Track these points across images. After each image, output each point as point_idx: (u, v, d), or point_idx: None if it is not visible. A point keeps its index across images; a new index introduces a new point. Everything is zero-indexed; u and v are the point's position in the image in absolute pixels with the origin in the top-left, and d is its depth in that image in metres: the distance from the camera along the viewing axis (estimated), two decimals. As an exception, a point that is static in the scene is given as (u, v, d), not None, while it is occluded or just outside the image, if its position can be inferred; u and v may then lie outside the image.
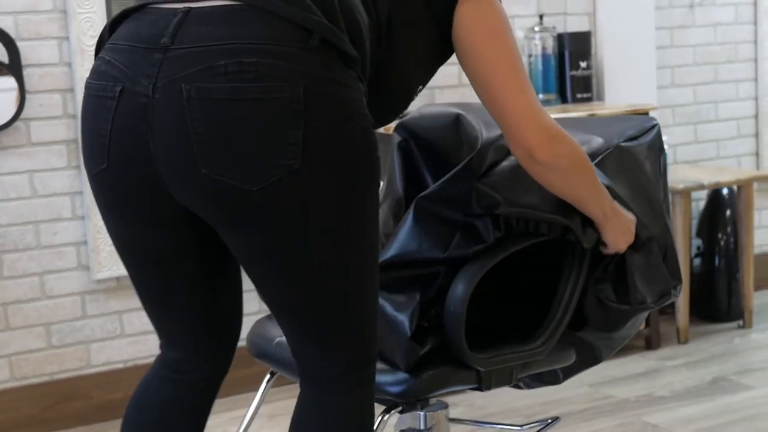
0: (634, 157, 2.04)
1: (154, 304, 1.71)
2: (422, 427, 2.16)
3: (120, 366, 3.21)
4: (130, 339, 3.22)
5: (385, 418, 1.94)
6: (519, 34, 3.64)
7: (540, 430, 2.22)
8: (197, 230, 1.58)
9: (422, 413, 2.16)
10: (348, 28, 1.53)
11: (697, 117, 4.12)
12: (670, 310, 3.80)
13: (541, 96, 3.65)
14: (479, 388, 1.96)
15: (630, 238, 1.92)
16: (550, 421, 2.24)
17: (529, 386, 2.21)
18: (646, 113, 3.53)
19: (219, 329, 1.74)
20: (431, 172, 2.07)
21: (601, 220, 1.86)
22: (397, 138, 2.12)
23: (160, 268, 1.65)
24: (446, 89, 3.60)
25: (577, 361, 2.10)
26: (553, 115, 3.21)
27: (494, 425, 2.50)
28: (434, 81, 3.42)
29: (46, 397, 3.11)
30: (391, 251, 1.89)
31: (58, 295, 3.11)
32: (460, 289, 1.84)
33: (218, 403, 1.84)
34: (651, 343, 3.61)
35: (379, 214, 1.61)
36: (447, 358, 1.89)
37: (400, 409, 1.94)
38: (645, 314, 2.08)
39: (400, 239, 1.90)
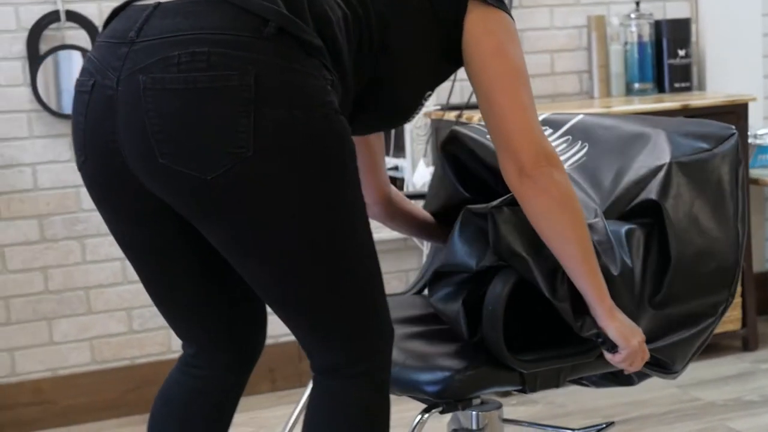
0: (702, 172, 1.93)
1: (159, 299, 1.71)
2: (474, 426, 2.11)
3: (200, 352, 3.23)
4: (210, 325, 3.24)
5: (424, 417, 1.89)
6: (614, 21, 3.52)
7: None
8: (179, 222, 1.57)
9: (474, 413, 2.11)
10: (315, 19, 1.51)
11: (808, 108, 3.92)
12: (771, 310, 3.63)
13: (637, 85, 3.53)
14: (524, 390, 1.90)
15: (642, 356, 1.78)
16: (604, 425, 2.15)
17: (597, 385, 2.12)
18: (746, 104, 3.37)
19: (231, 326, 1.72)
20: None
21: (597, 304, 1.72)
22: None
23: (155, 262, 1.65)
24: (537, 78, 3.51)
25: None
26: (647, 105, 3.17)
27: (547, 427, 2.42)
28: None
29: (126, 381, 3.16)
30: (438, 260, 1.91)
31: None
32: (498, 288, 1.78)
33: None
34: (748, 343, 3.46)
35: (356, 200, 1.56)
36: (489, 358, 1.83)
37: (440, 409, 1.89)
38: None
39: (447, 248, 1.90)
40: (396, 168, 3.41)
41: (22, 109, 3.01)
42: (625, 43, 3.54)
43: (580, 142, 2.09)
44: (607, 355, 1.78)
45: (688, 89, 3.57)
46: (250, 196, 1.45)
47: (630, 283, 1.82)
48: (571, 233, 1.68)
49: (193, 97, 1.42)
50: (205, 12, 1.45)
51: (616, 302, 1.76)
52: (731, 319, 3.40)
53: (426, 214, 2.15)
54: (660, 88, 3.58)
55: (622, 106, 3.25)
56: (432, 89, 1.75)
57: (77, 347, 3.13)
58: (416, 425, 1.90)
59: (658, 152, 1.95)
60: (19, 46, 3.00)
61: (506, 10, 1.70)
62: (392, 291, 2.42)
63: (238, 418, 3.05)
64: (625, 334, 1.74)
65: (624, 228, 1.88)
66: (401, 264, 3.39)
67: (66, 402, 3.12)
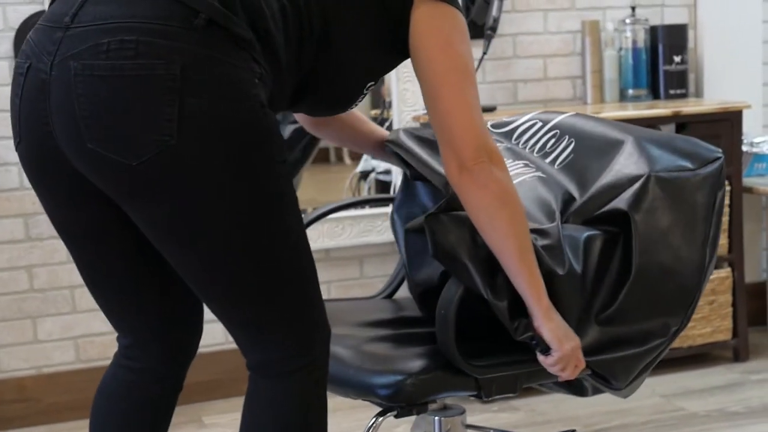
0: (678, 191, 1.90)
1: (93, 285, 1.72)
2: (436, 432, 2.10)
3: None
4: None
5: (378, 421, 1.89)
6: (609, 26, 3.50)
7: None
8: (113, 207, 1.58)
9: (437, 418, 2.09)
10: (247, 12, 1.53)
11: (809, 117, 3.87)
12: (763, 320, 3.59)
13: (631, 91, 3.50)
14: (479, 396, 1.88)
15: (576, 363, 1.77)
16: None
17: (552, 390, 2.10)
18: (740, 112, 3.34)
19: (165, 317, 1.73)
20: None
21: (534, 304, 1.72)
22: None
23: (90, 246, 1.67)
24: (529, 83, 3.49)
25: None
26: (639, 112, 3.14)
27: None
28: (518, 75, 3.35)
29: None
30: None
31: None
32: (451, 291, 1.77)
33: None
34: (739, 354, 3.42)
35: (284, 194, 1.56)
36: (444, 363, 1.82)
37: (395, 413, 1.88)
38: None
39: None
40: (388, 172, 3.40)
41: (8, 109, 3.02)
42: (620, 49, 3.51)
43: (567, 137, 2.07)
44: (540, 357, 1.78)
45: (684, 96, 3.54)
46: (174, 183, 1.47)
47: (577, 288, 1.80)
48: (508, 229, 1.68)
49: (120, 84, 1.44)
50: (138, 0, 1.47)
51: (559, 303, 1.75)
52: (721, 329, 3.37)
53: (368, 127, 2.13)
54: (655, 95, 3.55)
55: (615, 111, 3.22)
56: (376, 80, 1.75)
57: (61, 346, 3.14)
58: (369, 429, 1.89)
59: (639, 161, 1.92)
60: (6, 46, 3.01)
61: (456, 5, 1.69)
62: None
63: (223, 418, 3.06)
64: (558, 336, 1.74)
65: (585, 234, 1.85)
66: (387, 268, 3.37)
67: (50, 400, 3.13)
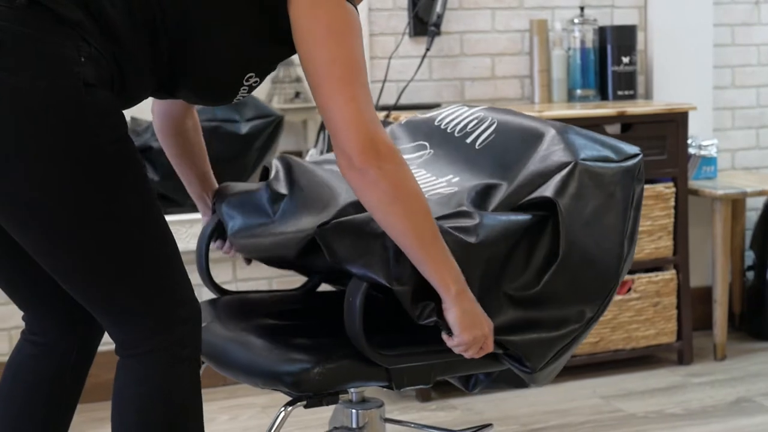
0: (601, 180, 1.89)
1: None
2: (354, 425, 2.06)
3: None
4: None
5: (289, 410, 1.85)
6: (557, 25, 3.48)
7: (470, 433, 2.08)
8: None
9: (354, 410, 2.06)
10: None
11: (760, 121, 3.86)
12: (709, 324, 3.57)
13: (579, 92, 3.48)
14: (390, 387, 1.85)
15: (483, 345, 1.74)
16: (482, 426, 2.11)
17: (492, 386, 2.07)
18: (686, 113, 3.32)
19: (57, 290, 1.68)
20: None
21: (443, 291, 1.69)
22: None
23: None
24: (477, 81, 3.47)
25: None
26: (583, 111, 3.12)
27: (429, 428, 2.37)
28: (465, 73, 3.33)
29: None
30: None
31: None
32: (358, 280, 1.74)
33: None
34: (683, 357, 3.40)
35: (118, 170, 1.55)
36: (353, 353, 1.79)
37: (304, 403, 1.85)
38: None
39: None
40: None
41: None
42: (568, 49, 3.50)
43: (489, 120, 2.05)
44: (443, 336, 1.75)
45: (633, 97, 3.52)
46: None
47: (487, 259, 1.77)
48: (405, 223, 1.64)
49: None
50: None
51: (464, 272, 1.72)
52: (666, 332, 3.35)
53: (204, 169, 2.08)
54: (603, 96, 3.53)
55: (561, 111, 3.19)
56: (257, 72, 1.71)
57: None
58: (277, 420, 1.85)
59: (565, 149, 1.91)
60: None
61: None
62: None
63: (216, 405, 3.00)
64: (464, 324, 1.70)
65: (512, 216, 1.83)
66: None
67: None
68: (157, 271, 1.60)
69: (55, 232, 1.52)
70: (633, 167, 1.94)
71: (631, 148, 1.98)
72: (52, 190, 1.49)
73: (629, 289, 3.30)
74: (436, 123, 2.13)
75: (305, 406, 1.85)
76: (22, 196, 1.49)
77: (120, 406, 1.64)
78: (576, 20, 3.48)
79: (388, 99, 3.27)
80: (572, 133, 1.96)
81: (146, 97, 1.73)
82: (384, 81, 3.27)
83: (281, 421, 1.85)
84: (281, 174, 2.05)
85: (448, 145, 2.06)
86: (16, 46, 1.45)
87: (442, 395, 3.13)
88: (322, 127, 3.31)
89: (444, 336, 1.75)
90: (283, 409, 1.85)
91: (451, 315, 1.70)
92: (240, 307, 2.13)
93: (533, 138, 1.97)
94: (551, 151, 1.91)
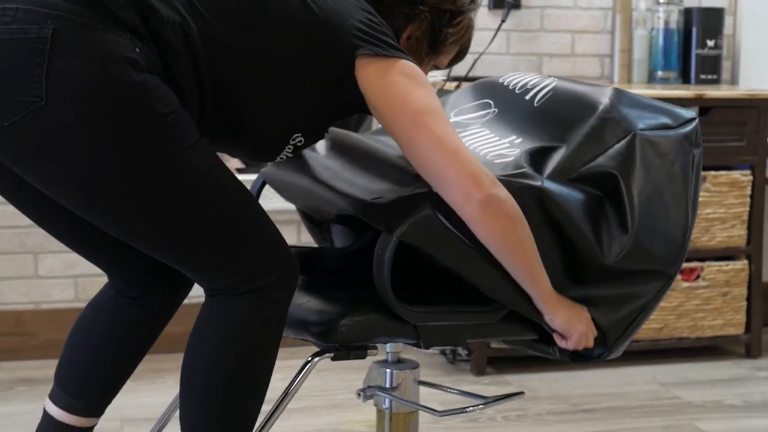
0: (661, 149, 1.88)
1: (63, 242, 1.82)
2: (387, 384, 2.05)
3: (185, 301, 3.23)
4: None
5: (315, 360, 1.85)
6: (642, 5, 3.40)
7: (500, 401, 2.05)
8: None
9: (388, 370, 2.05)
10: (136, 5, 1.56)
11: None
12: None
13: (660, 73, 3.41)
14: (418, 345, 1.84)
15: (588, 339, 1.83)
16: (512, 394, 2.08)
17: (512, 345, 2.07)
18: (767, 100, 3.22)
19: (138, 258, 1.75)
20: None
21: (543, 300, 1.78)
22: None
23: (22, 208, 1.74)
24: (555, 57, 3.43)
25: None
26: (661, 92, 3.05)
27: (461, 392, 2.33)
28: (544, 49, 3.28)
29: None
30: None
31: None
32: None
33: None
34: (751, 350, 3.30)
35: (184, 138, 1.57)
36: (381, 307, 1.78)
37: (331, 355, 1.85)
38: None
39: None
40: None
41: None
42: (651, 29, 3.42)
43: (550, 79, 2.03)
44: (560, 343, 1.83)
45: (716, 82, 3.43)
46: (48, 144, 1.50)
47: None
48: (523, 245, 1.72)
49: None
50: None
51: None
52: (734, 323, 3.26)
53: None
54: (685, 79, 3.45)
55: (638, 90, 3.12)
56: (306, 136, 1.74)
57: (61, 283, 3.17)
58: (305, 369, 1.86)
59: (623, 118, 1.88)
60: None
61: (399, 53, 1.69)
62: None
63: None
64: (570, 320, 1.80)
65: (578, 195, 1.83)
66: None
67: (46, 335, 3.16)
68: (237, 222, 1.63)
69: (121, 206, 1.55)
70: (690, 132, 1.92)
71: (687, 113, 1.95)
72: (113, 167, 1.52)
73: (698, 277, 3.22)
74: (500, 80, 2.12)
75: (332, 359, 1.85)
76: (80, 178, 1.53)
77: (198, 336, 1.68)
78: (661, 0, 3.39)
79: (462, 70, 3.24)
80: (627, 99, 1.93)
81: None
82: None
83: (307, 370, 1.85)
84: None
85: (511, 102, 2.04)
86: (69, 33, 1.48)
87: (497, 371, 3.11)
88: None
89: (560, 342, 1.83)
90: (310, 359, 1.85)
91: (558, 320, 1.80)
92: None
93: (590, 101, 1.93)
94: (608, 117, 1.87)
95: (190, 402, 1.68)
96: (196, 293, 1.77)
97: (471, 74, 3.21)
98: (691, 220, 1.92)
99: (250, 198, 1.66)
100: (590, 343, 1.83)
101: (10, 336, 3.15)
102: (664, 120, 1.91)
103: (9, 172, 1.60)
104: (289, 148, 1.75)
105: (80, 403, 1.82)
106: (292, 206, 2.14)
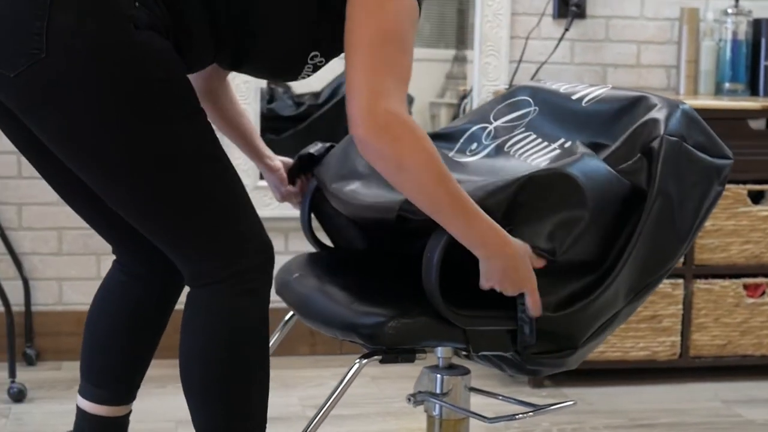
0: (695, 167, 1.82)
1: (64, 199, 1.82)
2: (438, 390, 2.04)
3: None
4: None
5: (363, 362, 1.84)
6: (709, 15, 3.35)
7: (551, 408, 2.02)
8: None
9: (438, 375, 2.03)
10: None
11: None
12: None
13: (727, 85, 3.35)
14: (467, 350, 1.82)
15: (518, 288, 1.70)
16: (562, 403, 2.04)
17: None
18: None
19: (130, 234, 1.74)
20: None
21: (479, 253, 1.66)
22: None
23: (34, 162, 1.75)
24: (620, 68, 3.39)
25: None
26: (728, 103, 2.99)
27: (511, 400, 2.30)
28: (608, 59, 3.24)
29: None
30: None
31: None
32: (438, 236, 1.71)
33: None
34: (820, 370, 3.22)
35: (172, 108, 1.57)
36: (430, 310, 1.77)
37: (380, 357, 1.84)
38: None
39: None
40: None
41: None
42: (719, 40, 3.36)
43: (601, 86, 2.00)
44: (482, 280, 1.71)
45: (786, 95, 3.36)
46: (52, 98, 1.52)
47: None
48: (414, 194, 1.59)
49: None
50: None
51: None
52: (801, 341, 3.18)
53: (244, 126, 2.08)
54: (753, 91, 3.38)
55: (705, 101, 3.07)
56: (321, 53, 1.72)
57: None
58: (351, 370, 1.85)
59: (671, 124, 1.84)
60: None
61: None
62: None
63: (329, 371, 3.05)
64: (508, 277, 1.67)
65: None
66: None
67: None
68: (218, 205, 1.63)
69: (110, 169, 1.57)
70: (722, 167, 1.86)
71: (726, 150, 1.89)
72: (103, 128, 1.54)
73: (763, 293, 3.15)
74: (540, 84, 2.10)
75: (380, 361, 1.84)
76: (80, 133, 1.54)
77: (188, 334, 1.69)
78: (730, 11, 3.34)
79: (525, 79, 3.22)
80: (680, 111, 1.88)
81: (210, 62, 1.76)
82: (519, 61, 3.23)
83: (355, 372, 1.85)
84: None
85: (554, 100, 2.01)
86: None
87: (555, 383, 3.07)
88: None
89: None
90: (358, 361, 1.85)
91: (489, 274, 1.68)
92: (335, 262, 2.14)
93: (643, 105, 1.90)
94: (654, 120, 1.84)
95: (195, 402, 1.71)
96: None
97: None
98: (687, 245, 1.86)
99: (237, 181, 1.67)
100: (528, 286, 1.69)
101: (72, 336, 3.19)
102: (704, 141, 1.86)
103: (15, 124, 1.64)
104: (309, 67, 1.73)
105: (106, 393, 1.86)
106: (281, 214, 2.14)
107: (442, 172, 1.59)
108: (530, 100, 2.07)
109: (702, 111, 1.96)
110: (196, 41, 1.64)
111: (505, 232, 1.65)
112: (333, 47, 1.72)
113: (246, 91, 3.20)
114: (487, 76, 3.27)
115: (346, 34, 1.57)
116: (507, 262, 1.66)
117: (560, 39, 3.20)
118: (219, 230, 1.63)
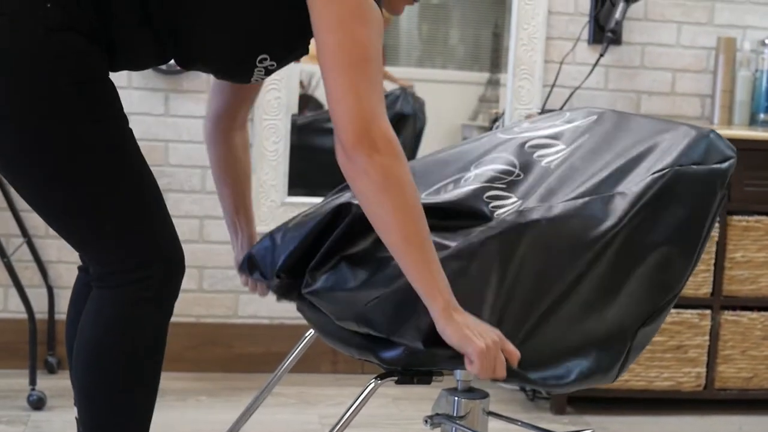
0: (692, 186, 1.79)
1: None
2: (455, 413, 2.02)
3: (265, 321, 3.26)
4: (279, 297, 3.26)
5: (379, 382, 1.83)
6: (746, 45, 3.32)
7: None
8: None
9: (456, 398, 2.02)
10: None
11: None
12: None
13: (762, 116, 3.32)
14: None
15: (496, 360, 1.60)
16: (584, 431, 2.02)
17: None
18: None
19: None
20: None
21: (429, 301, 1.57)
22: None
23: None
24: (654, 96, 3.36)
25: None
26: (761, 133, 2.96)
27: (531, 426, 2.28)
28: (643, 86, 3.23)
29: (188, 337, 3.21)
30: None
31: (215, 242, 3.21)
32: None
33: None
34: None
35: (96, 111, 1.61)
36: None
37: (396, 378, 1.83)
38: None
39: None
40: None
41: None
42: (756, 71, 3.33)
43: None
44: (467, 365, 1.62)
45: (821, 128, 3.32)
46: None
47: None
48: (391, 218, 1.56)
49: None
50: None
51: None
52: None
53: (240, 191, 2.07)
54: (787, 122, 3.35)
55: (738, 131, 3.04)
56: (271, 56, 1.71)
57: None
58: (366, 390, 1.84)
59: (672, 150, 1.83)
60: None
61: None
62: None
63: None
64: (465, 336, 1.58)
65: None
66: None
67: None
68: (123, 211, 1.65)
69: (17, 169, 1.61)
70: (726, 170, 1.82)
71: (728, 149, 1.85)
72: (12, 128, 1.57)
73: (792, 327, 3.10)
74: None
75: (396, 382, 1.83)
76: None
77: (81, 330, 1.71)
78: (767, 41, 3.31)
79: (558, 104, 3.20)
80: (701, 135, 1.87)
81: (155, 63, 1.80)
82: (552, 86, 3.21)
83: (370, 392, 1.83)
84: None
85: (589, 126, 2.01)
86: None
87: (577, 411, 3.04)
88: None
89: (467, 366, 1.63)
90: (373, 381, 1.84)
91: (448, 332, 1.59)
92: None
93: (662, 128, 1.90)
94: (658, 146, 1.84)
95: (78, 396, 1.73)
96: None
97: (566, 109, 3.17)
98: (694, 265, 1.82)
99: (151, 187, 1.68)
100: (500, 372, 1.61)
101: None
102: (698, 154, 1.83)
103: None
104: (260, 71, 1.73)
105: None
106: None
107: (419, 205, 1.59)
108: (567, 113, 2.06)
109: (736, 141, 1.94)
110: (128, 36, 1.65)
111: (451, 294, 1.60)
112: (286, 54, 1.73)
113: (277, 107, 3.20)
114: (520, 99, 3.26)
115: (320, 55, 1.57)
116: (461, 318, 1.60)
117: (595, 64, 3.18)
118: (123, 236, 1.65)
